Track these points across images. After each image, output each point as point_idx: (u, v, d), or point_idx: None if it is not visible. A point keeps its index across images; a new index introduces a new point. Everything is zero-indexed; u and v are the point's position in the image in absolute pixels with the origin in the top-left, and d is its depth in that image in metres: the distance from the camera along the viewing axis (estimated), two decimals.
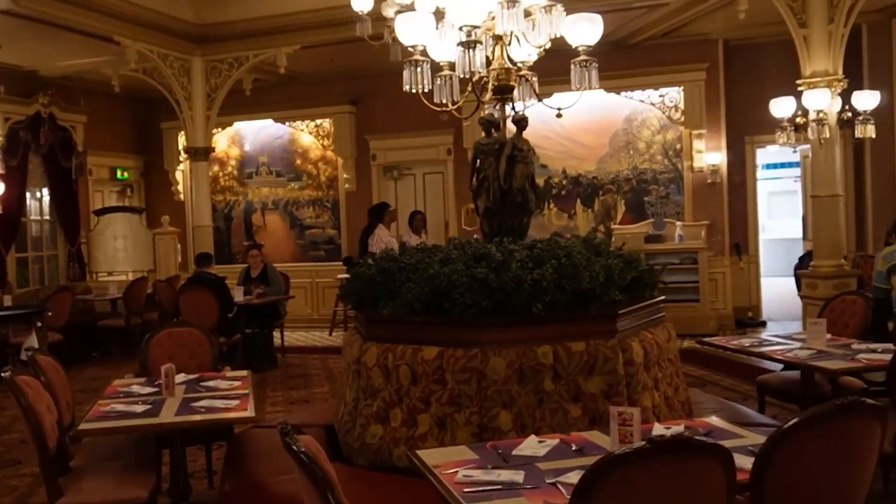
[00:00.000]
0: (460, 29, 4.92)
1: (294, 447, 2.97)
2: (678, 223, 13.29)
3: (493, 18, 5.09)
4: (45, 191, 14.59)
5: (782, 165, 20.75)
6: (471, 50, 4.90)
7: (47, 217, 14.78)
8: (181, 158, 15.62)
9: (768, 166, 20.95)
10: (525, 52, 5.64)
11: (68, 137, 14.28)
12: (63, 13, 10.61)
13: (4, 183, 12.96)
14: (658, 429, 4.02)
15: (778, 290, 15.47)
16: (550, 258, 5.03)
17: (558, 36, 5.25)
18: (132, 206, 16.02)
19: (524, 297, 4.85)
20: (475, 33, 4.93)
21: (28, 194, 14.12)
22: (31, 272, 14.42)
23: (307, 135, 15.80)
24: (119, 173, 16.36)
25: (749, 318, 13.59)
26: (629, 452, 2.65)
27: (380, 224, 10.69)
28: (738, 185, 13.78)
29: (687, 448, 2.72)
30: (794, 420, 3.06)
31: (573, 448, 3.78)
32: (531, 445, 3.81)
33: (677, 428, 4.01)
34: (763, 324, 13.62)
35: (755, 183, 14.21)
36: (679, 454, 2.70)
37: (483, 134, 5.89)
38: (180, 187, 16.48)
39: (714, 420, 4.25)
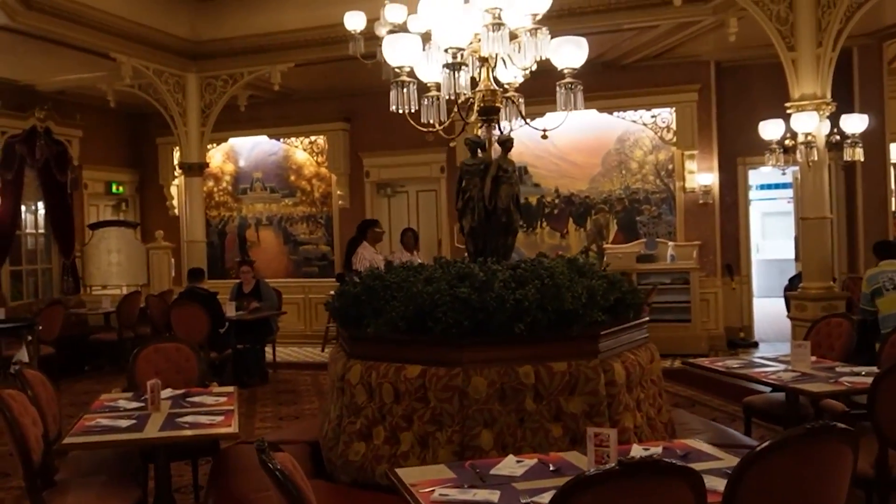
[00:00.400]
0: (446, 51, 4.97)
1: (269, 464, 3.00)
2: (670, 243, 13.33)
3: (480, 40, 5.14)
4: (41, 204, 14.62)
5: (776, 186, 20.79)
6: (456, 71, 4.94)
7: (42, 230, 14.81)
8: (176, 174, 15.65)
9: (762, 187, 21.03)
10: (511, 74, 5.70)
11: (64, 151, 14.31)
12: (59, 29, 10.69)
13: (0, 196, 13.02)
14: (636, 450, 4.04)
15: (772, 310, 15.49)
16: (533, 278, 5.07)
17: (544, 58, 5.30)
18: (126, 221, 16.04)
19: (506, 317, 4.89)
20: (461, 55, 4.98)
21: (23, 208, 14.17)
22: (26, 285, 14.44)
23: (301, 151, 15.85)
24: (114, 187, 16.42)
25: (741, 339, 13.61)
26: (598, 474, 2.69)
27: (364, 242, 10.64)
28: (730, 206, 13.83)
29: (656, 470, 2.75)
30: (766, 443, 3.09)
31: (551, 468, 3.81)
32: (509, 465, 3.84)
33: (655, 449, 4.04)
34: (755, 345, 13.63)
35: (747, 204, 14.26)
36: (648, 476, 2.74)
37: (469, 154, 5.94)
38: (175, 202, 16.49)
39: (693, 442, 4.28)
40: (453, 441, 4.85)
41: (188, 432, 4.78)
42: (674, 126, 13.32)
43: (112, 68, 12.14)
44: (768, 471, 3.05)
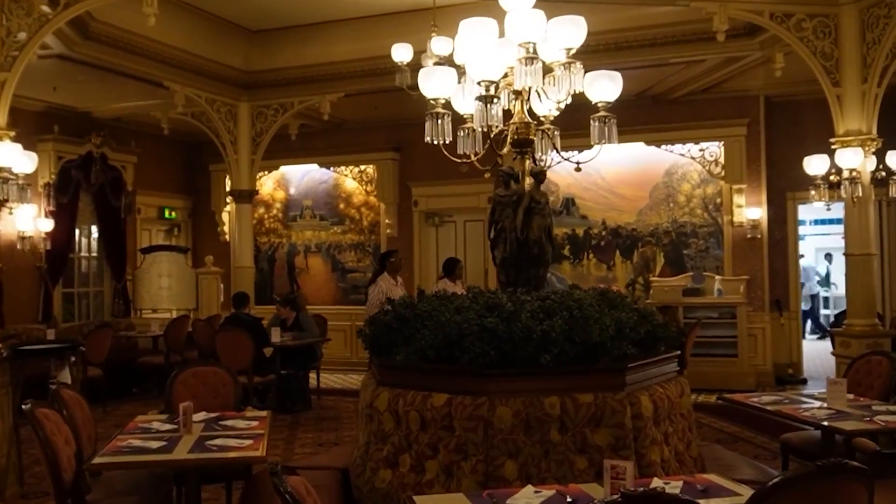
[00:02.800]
0: (479, 83, 5.04)
1: (280, 487, 3.05)
2: (717, 277, 13.22)
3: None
4: (94, 228, 14.95)
5: (831, 222, 20.48)
6: (488, 104, 5.01)
7: (95, 254, 15.11)
8: (227, 200, 15.88)
9: (817, 222, 20.76)
10: (546, 107, 5.75)
11: (118, 177, 14.66)
12: (116, 58, 10.95)
13: (54, 220, 13.34)
14: (656, 483, 4.03)
15: (825, 347, 15.21)
16: (562, 310, 5.08)
17: (578, 92, 5.34)
18: (177, 246, 16.29)
19: (532, 348, 4.90)
20: (493, 88, 5.04)
21: (77, 231, 14.50)
22: (78, 307, 14.71)
23: (351, 180, 16.05)
24: (167, 213, 16.72)
25: (789, 376, 13.40)
26: None
27: (384, 273, 10.70)
28: (779, 241, 13.66)
29: (658, 502, 2.76)
30: (776, 479, 3.08)
31: (568, 499, 3.81)
32: (526, 495, 3.85)
33: (676, 483, 4.02)
34: (803, 381, 13.41)
35: (796, 239, 14.08)
36: None
37: (502, 186, 5.99)
38: (226, 228, 16.72)
39: (715, 477, 4.24)
40: (477, 471, 4.86)
41: (213, 455, 4.84)
42: (722, 160, 13.26)
43: (166, 97, 12.39)
44: None
